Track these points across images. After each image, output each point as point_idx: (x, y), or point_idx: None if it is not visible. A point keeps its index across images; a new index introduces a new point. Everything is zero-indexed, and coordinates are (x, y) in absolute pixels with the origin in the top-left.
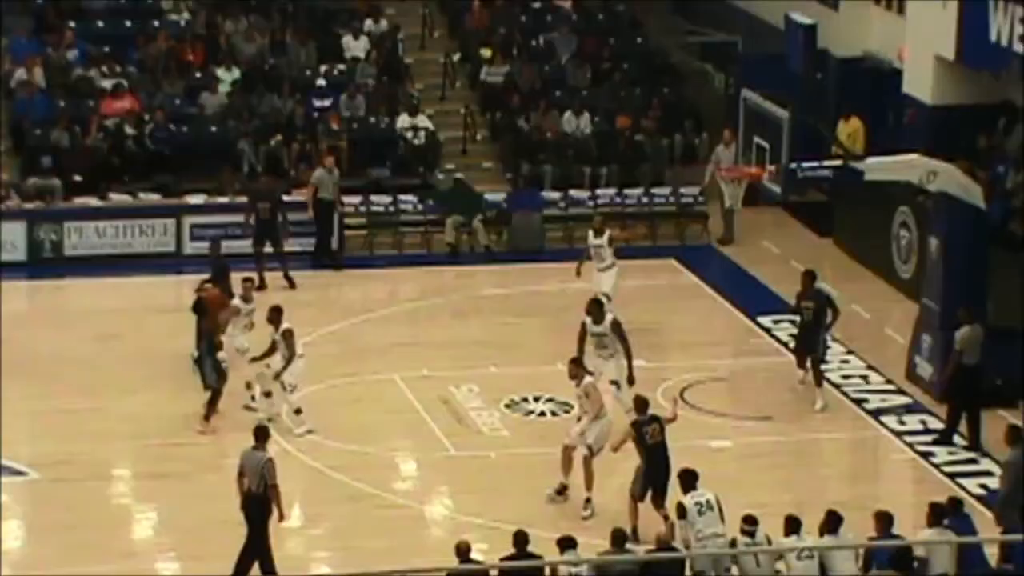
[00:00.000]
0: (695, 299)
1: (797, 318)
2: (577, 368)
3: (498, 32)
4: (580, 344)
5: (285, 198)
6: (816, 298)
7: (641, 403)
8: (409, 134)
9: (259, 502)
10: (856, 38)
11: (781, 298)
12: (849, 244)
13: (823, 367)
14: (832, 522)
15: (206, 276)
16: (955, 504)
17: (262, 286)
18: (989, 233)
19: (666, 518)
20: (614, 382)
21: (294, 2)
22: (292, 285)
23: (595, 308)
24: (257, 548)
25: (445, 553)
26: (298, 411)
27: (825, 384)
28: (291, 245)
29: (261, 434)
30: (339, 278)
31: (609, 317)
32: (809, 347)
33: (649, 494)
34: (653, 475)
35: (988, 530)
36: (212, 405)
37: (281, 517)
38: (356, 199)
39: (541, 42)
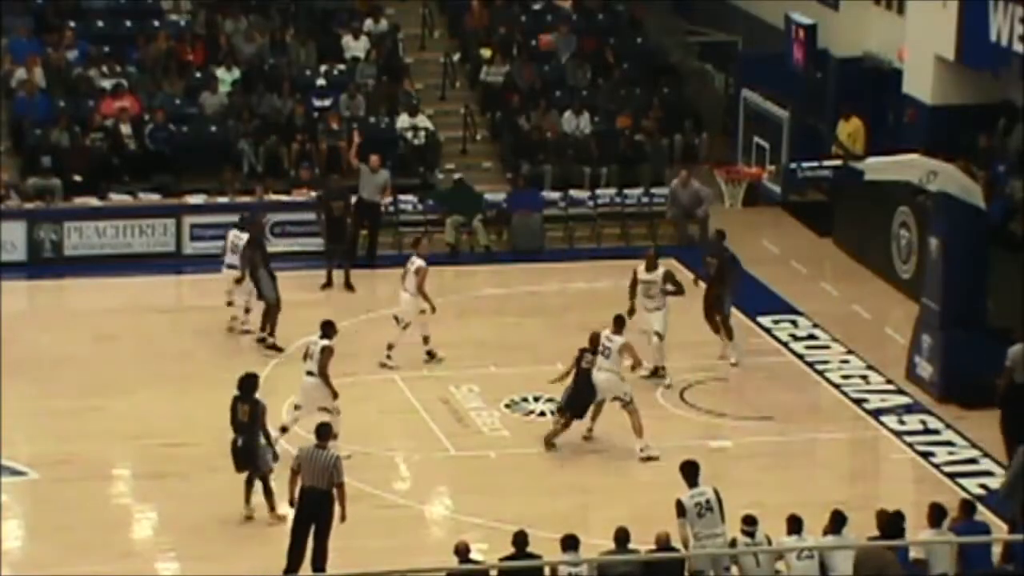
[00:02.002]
0: (695, 299)
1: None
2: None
3: (498, 32)
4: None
5: (285, 198)
6: (720, 254)
7: (593, 339)
8: (409, 134)
9: (325, 499)
10: (856, 38)
11: (781, 298)
12: (849, 244)
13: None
14: (836, 522)
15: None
16: (969, 508)
17: (329, 283)
18: (989, 233)
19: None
20: (658, 333)
21: (294, 2)
22: (351, 287)
23: (650, 259)
24: (324, 545)
25: (445, 553)
26: (426, 339)
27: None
28: (290, 245)
29: (325, 432)
30: (339, 278)
31: (661, 268)
32: (716, 306)
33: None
34: (574, 396)
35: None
36: (267, 320)
37: (344, 517)
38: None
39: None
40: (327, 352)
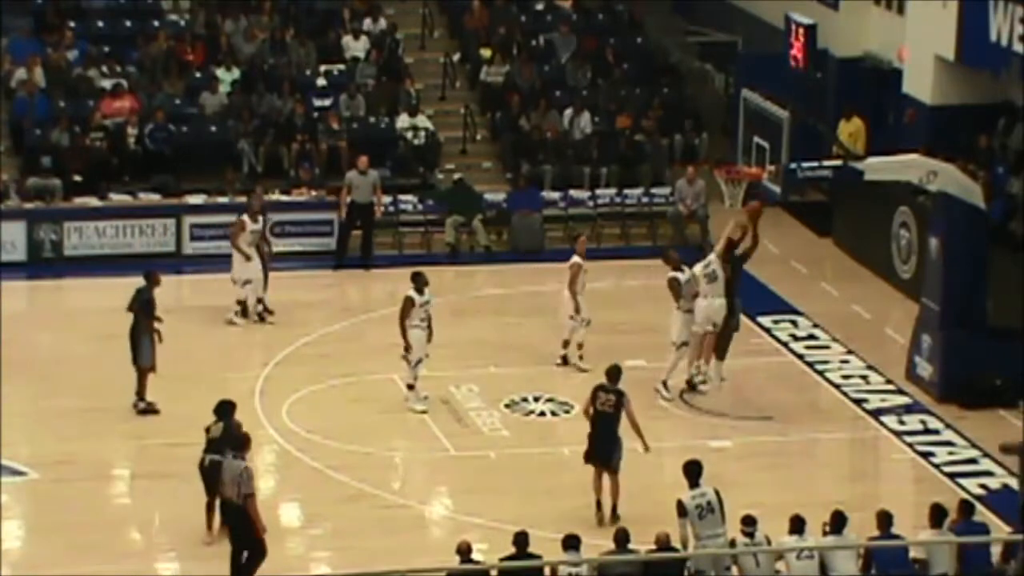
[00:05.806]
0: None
1: None
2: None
3: (498, 32)
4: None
5: (286, 198)
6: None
7: (612, 372)
8: (409, 134)
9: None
10: (856, 38)
11: (781, 298)
12: (849, 244)
13: None
14: (837, 522)
15: None
16: (967, 509)
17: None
18: (989, 233)
19: (613, 484)
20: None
21: (294, 2)
22: (267, 312)
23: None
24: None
25: (445, 553)
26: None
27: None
28: (290, 245)
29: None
30: (339, 278)
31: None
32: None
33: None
34: (594, 442)
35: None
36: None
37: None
38: None
39: (541, 42)
40: (406, 301)
